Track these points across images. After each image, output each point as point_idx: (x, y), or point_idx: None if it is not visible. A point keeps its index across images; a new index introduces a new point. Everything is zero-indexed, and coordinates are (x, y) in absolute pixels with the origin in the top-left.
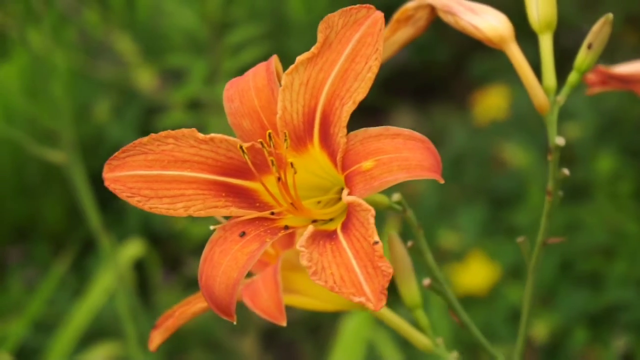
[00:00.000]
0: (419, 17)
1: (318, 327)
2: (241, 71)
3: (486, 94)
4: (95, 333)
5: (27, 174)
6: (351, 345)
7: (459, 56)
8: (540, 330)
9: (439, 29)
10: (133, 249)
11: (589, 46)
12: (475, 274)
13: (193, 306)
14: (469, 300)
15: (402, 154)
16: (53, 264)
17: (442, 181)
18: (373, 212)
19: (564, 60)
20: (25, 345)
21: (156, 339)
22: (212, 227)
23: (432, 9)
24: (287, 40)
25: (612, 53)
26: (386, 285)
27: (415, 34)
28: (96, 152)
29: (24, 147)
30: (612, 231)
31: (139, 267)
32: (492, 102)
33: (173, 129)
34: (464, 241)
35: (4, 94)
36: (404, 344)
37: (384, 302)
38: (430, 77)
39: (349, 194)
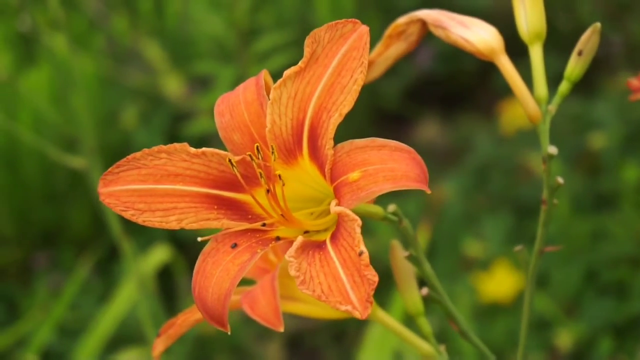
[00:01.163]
0: (410, 32)
1: (343, 333)
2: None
3: (512, 103)
4: (121, 338)
5: (54, 180)
6: (376, 352)
7: (485, 65)
8: (566, 339)
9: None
10: (159, 254)
11: (579, 53)
12: (500, 282)
13: (195, 314)
14: (494, 309)
15: (388, 164)
16: (77, 268)
17: (428, 191)
18: (359, 222)
19: (592, 70)
20: (52, 350)
21: (159, 346)
22: (199, 239)
23: (424, 23)
24: None
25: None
26: (371, 293)
27: (407, 49)
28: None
29: (47, 154)
30: (638, 241)
31: (166, 272)
32: (518, 112)
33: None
34: (489, 250)
35: (33, 101)
36: None
37: (369, 310)
38: (456, 86)
39: (337, 204)
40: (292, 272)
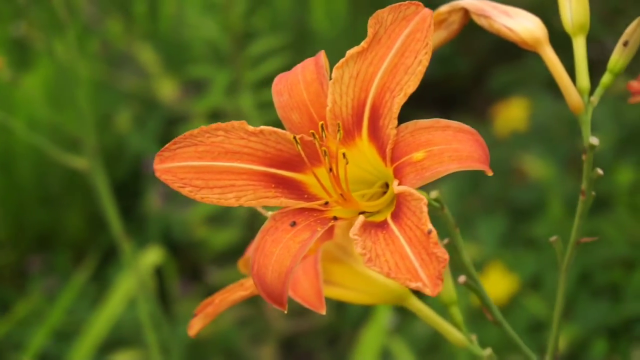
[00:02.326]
0: (452, 21)
1: (337, 336)
2: (263, 82)
3: (506, 105)
4: (116, 341)
5: (48, 183)
6: (369, 355)
7: (479, 68)
8: (560, 341)
9: (460, 40)
10: (152, 256)
11: (625, 44)
12: (495, 284)
13: (233, 294)
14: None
15: (452, 145)
16: (74, 273)
17: (490, 172)
18: (426, 201)
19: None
20: (46, 353)
21: (196, 325)
22: (269, 213)
23: (466, 12)
24: (309, 51)
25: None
26: (442, 271)
27: (448, 37)
28: (117, 162)
29: (49, 155)
30: (632, 243)
31: (158, 275)
32: (512, 114)
33: None
34: (484, 252)
35: (28, 104)
36: (422, 355)
37: (440, 287)
38: (450, 89)
39: (399, 184)
40: (358, 250)
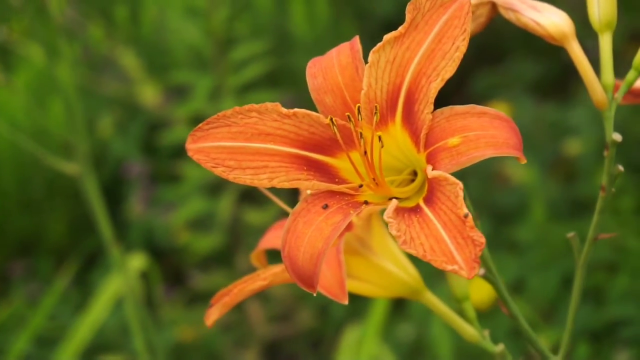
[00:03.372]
0: (479, 14)
1: (320, 340)
2: (245, 87)
3: None
4: (99, 346)
5: (31, 188)
6: (353, 359)
7: (461, 71)
8: (542, 344)
9: None
10: (136, 262)
11: None
12: (478, 288)
13: (252, 284)
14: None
15: (488, 131)
16: (55, 278)
17: (524, 160)
18: (461, 185)
19: (566, 76)
20: (29, 359)
21: (213, 314)
22: (308, 191)
23: (494, 5)
24: (290, 56)
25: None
26: (479, 254)
27: (475, 31)
28: (99, 167)
29: (36, 161)
30: (614, 247)
31: (141, 281)
32: None
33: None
34: None
35: (10, 110)
36: (407, 357)
37: (477, 270)
38: None
39: (433, 169)
40: (393, 232)
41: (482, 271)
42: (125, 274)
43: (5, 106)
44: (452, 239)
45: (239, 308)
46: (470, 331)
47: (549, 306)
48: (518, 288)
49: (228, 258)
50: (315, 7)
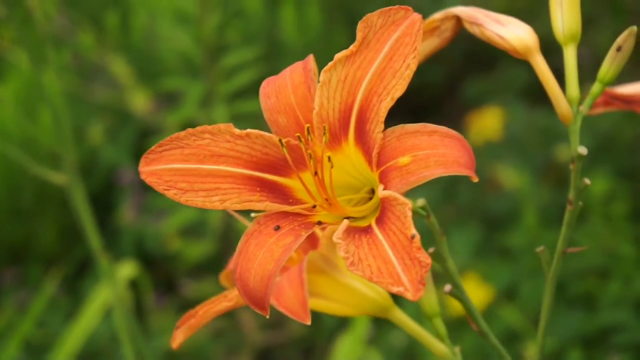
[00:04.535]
0: (445, 29)
1: (312, 348)
2: (236, 94)
3: (480, 115)
4: (90, 354)
5: (21, 196)
6: None
7: (453, 77)
8: (534, 352)
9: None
10: (126, 270)
11: (618, 49)
12: (470, 295)
13: (217, 305)
14: (463, 322)
15: (439, 150)
16: (44, 284)
17: (476, 179)
18: (410, 205)
19: (560, 80)
20: None
21: (179, 337)
22: (253, 215)
23: (458, 20)
24: (281, 63)
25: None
26: (424, 275)
27: (440, 45)
28: (90, 174)
29: (22, 170)
30: (606, 253)
31: (132, 289)
32: (486, 124)
33: None
34: (458, 262)
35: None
36: None
37: (422, 292)
38: (423, 99)
39: (384, 189)
40: (341, 254)
41: (448, 288)
42: (113, 284)
43: None
44: (400, 260)
45: (230, 315)
46: (441, 348)
47: (540, 312)
48: (510, 294)
49: (219, 266)
50: (306, 13)
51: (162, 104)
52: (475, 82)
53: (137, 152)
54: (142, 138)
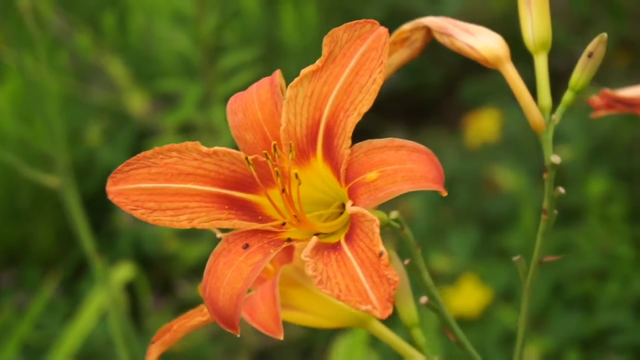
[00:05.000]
0: (415, 39)
1: (311, 348)
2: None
3: (477, 116)
4: (87, 356)
5: (18, 198)
6: None
7: (450, 79)
8: (532, 353)
9: (430, 51)
10: (124, 272)
11: (590, 55)
12: (468, 296)
13: (191, 320)
14: (461, 323)
15: (406, 165)
16: (42, 286)
17: (444, 193)
18: (378, 222)
19: (556, 83)
20: None
21: (153, 353)
22: (218, 235)
23: (428, 30)
24: (280, 64)
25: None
26: (392, 293)
27: (411, 56)
28: (87, 176)
29: (18, 171)
30: (604, 254)
31: (130, 290)
32: (483, 125)
33: None
34: (456, 264)
35: None
36: None
37: (390, 310)
38: (421, 100)
39: (353, 205)
40: (309, 272)
41: (424, 299)
42: (108, 287)
43: None
44: (368, 277)
45: None
46: (419, 358)
47: (538, 314)
48: (508, 296)
49: None
50: (304, 13)
51: (159, 105)
52: (472, 84)
53: (135, 153)
54: (140, 139)
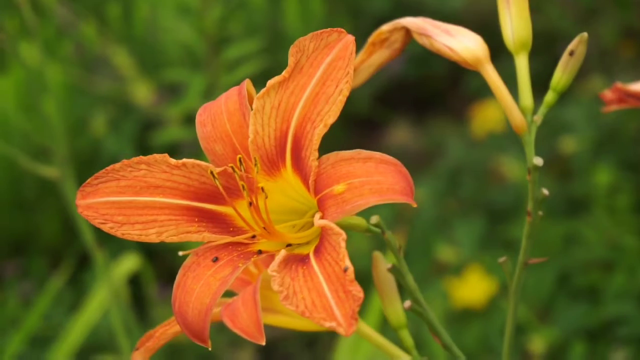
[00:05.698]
0: (394, 40)
1: (315, 340)
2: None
3: (483, 107)
4: (92, 347)
5: (23, 188)
6: (349, 358)
7: (456, 69)
8: (538, 344)
9: None
10: (129, 263)
11: (571, 53)
12: (473, 287)
13: (174, 326)
14: (467, 314)
15: (373, 177)
16: (50, 279)
17: (414, 205)
18: (344, 236)
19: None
20: (22, 359)
21: (137, 359)
22: (180, 253)
23: (407, 31)
24: (284, 55)
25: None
26: (357, 309)
27: (390, 57)
28: (93, 166)
29: (19, 163)
30: (610, 245)
31: (135, 281)
32: (489, 115)
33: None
34: (461, 255)
35: (2, 110)
36: None
37: (355, 327)
38: (427, 90)
39: (322, 217)
40: (275, 287)
41: (408, 304)
42: (109, 279)
43: None
44: (334, 292)
45: None
46: (407, 359)
47: (544, 305)
48: None
49: None
50: (309, 4)
51: (164, 96)
52: (478, 74)
53: (140, 143)
54: (145, 129)
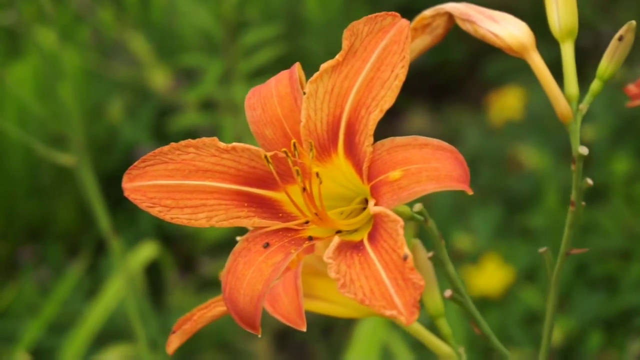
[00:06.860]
0: (436, 25)
1: (331, 328)
2: (256, 72)
3: (501, 94)
4: (109, 334)
5: (40, 174)
6: (365, 347)
7: (474, 56)
8: (556, 333)
9: (454, 28)
10: (147, 250)
11: (620, 39)
12: (490, 276)
13: (212, 310)
14: (484, 303)
15: (430, 164)
16: (68, 266)
17: (470, 192)
18: (402, 223)
19: (582, 61)
20: (40, 345)
21: (174, 342)
22: (238, 238)
23: (450, 16)
24: (302, 41)
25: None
26: (418, 298)
27: (432, 42)
28: (109, 152)
29: (35, 150)
30: (627, 234)
31: (154, 268)
32: (507, 103)
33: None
34: (479, 243)
35: (17, 96)
36: (418, 347)
37: (416, 315)
38: (445, 77)
39: (376, 204)
40: (332, 275)
41: (448, 293)
42: (125, 266)
43: (14, 92)
44: (393, 280)
45: None
46: (445, 349)
47: (562, 294)
48: (531, 275)
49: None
50: None
51: (181, 81)
52: (496, 61)
53: (157, 129)
54: (162, 115)
